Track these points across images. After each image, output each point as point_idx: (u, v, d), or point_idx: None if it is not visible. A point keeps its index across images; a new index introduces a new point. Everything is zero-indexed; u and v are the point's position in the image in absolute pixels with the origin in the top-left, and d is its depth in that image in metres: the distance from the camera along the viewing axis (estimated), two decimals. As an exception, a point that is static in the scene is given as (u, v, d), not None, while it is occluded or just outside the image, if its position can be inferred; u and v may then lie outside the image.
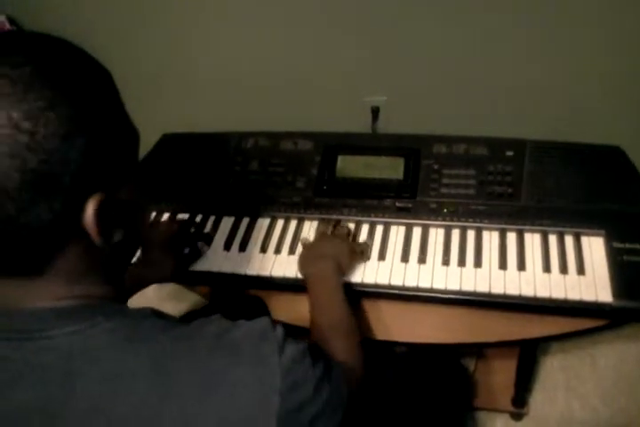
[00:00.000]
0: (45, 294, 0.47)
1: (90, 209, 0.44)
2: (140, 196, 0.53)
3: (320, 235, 0.98)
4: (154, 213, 1.09)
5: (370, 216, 1.00)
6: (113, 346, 0.46)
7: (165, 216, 1.09)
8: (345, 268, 0.90)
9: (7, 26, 1.29)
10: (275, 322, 0.52)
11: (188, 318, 1.00)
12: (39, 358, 0.45)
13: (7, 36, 0.44)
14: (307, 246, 0.96)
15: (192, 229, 1.04)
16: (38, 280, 0.46)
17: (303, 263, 0.93)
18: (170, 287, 1.54)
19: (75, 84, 0.43)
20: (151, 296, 1.60)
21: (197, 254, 0.99)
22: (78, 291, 0.48)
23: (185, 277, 0.99)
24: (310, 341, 0.75)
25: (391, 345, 1.09)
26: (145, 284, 0.92)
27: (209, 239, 1.03)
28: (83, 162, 0.43)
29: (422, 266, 0.93)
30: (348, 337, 0.76)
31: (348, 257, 0.91)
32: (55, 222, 0.43)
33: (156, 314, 0.51)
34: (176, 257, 0.96)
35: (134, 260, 0.92)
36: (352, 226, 1.01)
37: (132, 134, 0.51)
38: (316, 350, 0.53)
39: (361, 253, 0.94)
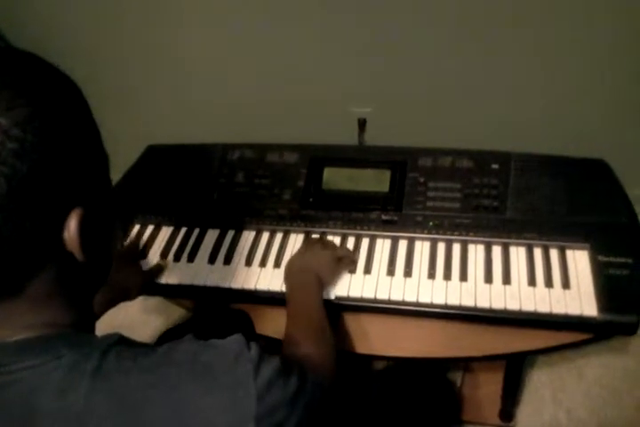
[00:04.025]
0: (9, 323, 0.45)
1: (72, 223, 0.43)
2: (115, 214, 0.52)
3: (304, 245, 0.98)
4: (137, 226, 1.08)
5: (356, 229, 1.00)
6: (76, 381, 0.43)
7: (150, 229, 1.08)
8: (326, 279, 0.90)
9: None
10: (249, 339, 0.50)
11: (170, 333, 0.99)
12: (1, 395, 0.43)
13: None
14: (292, 258, 0.96)
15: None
16: (5, 306, 0.44)
17: (286, 274, 0.93)
18: (154, 300, 1.52)
19: (48, 100, 0.42)
20: (136, 310, 1.58)
21: (159, 268, 1.00)
22: (43, 318, 0.46)
23: (167, 290, 0.99)
24: (283, 350, 0.75)
25: (377, 359, 1.09)
26: (111, 306, 0.89)
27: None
28: (62, 175, 0.42)
29: (408, 279, 0.92)
30: (322, 338, 0.78)
31: (330, 268, 0.91)
32: (38, 236, 0.42)
33: (123, 341, 0.49)
34: (141, 273, 0.97)
35: None
36: (338, 239, 1.00)
37: (101, 157, 0.49)
38: (288, 362, 0.52)
39: (345, 261, 0.94)
